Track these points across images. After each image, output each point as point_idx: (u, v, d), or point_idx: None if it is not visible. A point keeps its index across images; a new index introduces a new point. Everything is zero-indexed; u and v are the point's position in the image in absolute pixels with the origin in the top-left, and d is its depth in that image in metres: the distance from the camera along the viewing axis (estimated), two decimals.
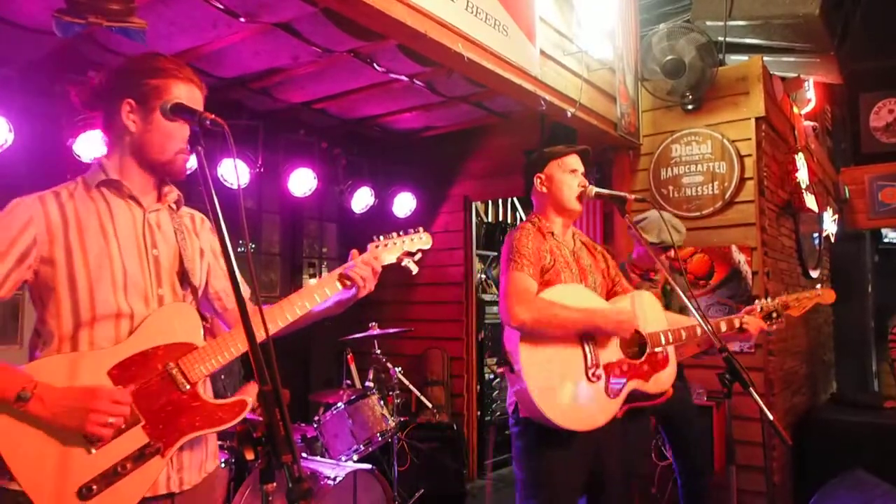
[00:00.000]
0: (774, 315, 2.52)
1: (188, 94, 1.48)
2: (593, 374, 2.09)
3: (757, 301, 2.57)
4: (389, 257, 1.75)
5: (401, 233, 1.80)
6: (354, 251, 1.71)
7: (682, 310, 3.02)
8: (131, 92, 1.45)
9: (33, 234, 1.37)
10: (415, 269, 1.80)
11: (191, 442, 1.43)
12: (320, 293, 1.61)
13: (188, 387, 1.42)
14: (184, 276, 1.53)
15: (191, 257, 1.55)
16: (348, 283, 1.64)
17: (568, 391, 2.05)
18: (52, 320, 1.39)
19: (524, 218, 2.33)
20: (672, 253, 3.08)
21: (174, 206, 1.59)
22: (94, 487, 1.30)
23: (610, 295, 2.34)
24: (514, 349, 2.04)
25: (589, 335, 2.12)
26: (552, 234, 2.24)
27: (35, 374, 1.32)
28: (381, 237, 1.77)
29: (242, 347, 1.47)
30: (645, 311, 2.24)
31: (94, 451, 1.32)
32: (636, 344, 2.21)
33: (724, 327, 2.40)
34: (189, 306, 1.52)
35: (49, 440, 1.30)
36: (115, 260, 1.41)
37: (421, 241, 1.81)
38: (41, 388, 1.29)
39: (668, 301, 3.04)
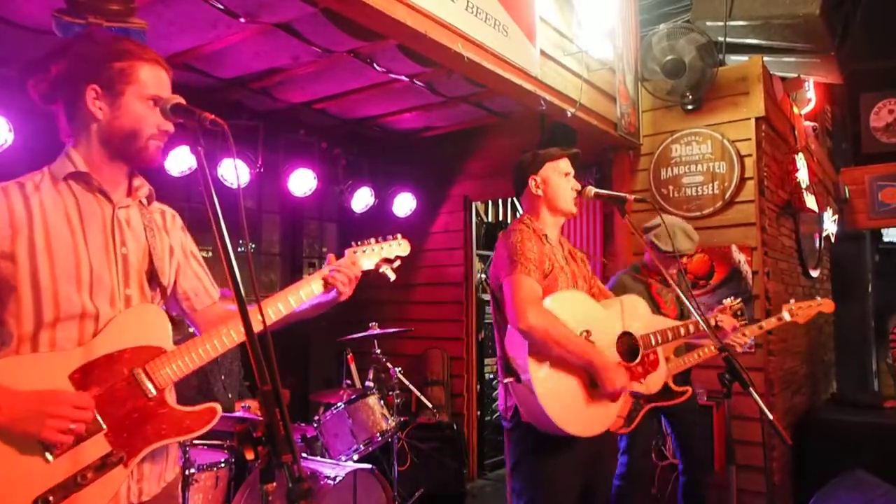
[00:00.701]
0: (739, 313, 2.79)
1: (154, 75, 1.40)
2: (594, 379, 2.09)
3: (725, 300, 2.86)
4: (367, 263, 1.71)
5: (378, 239, 1.76)
6: (331, 256, 1.67)
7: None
8: (95, 77, 1.37)
9: None
10: (392, 277, 1.76)
11: (153, 451, 1.36)
12: (296, 297, 1.55)
13: (155, 393, 1.35)
14: (152, 276, 1.46)
15: (160, 256, 1.48)
16: (328, 286, 1.60)
17: (574, 398, 2.05)
18: (10, 319, 1.30)
19: (518, 219, 2.31)
20: (685, 260, 3.12)
21: (145, 202, 1.52)
22: (52, 499, 1.23)
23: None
24: (520, 357, 2.02)
25: (586, 335, 2.12)
26: (546, 236, 2.23)
27: None
28: (359, 243, 1.73)
29: (213, 352, 1.42)
30: (633, 314, 2.26)
31: (52, 459, 1.24)
32: (627, 346, 2.21)
33: (702, 327, 2.43)
34: (158, 308, 1.46)
35: (4, 448, 1.22)
36: (81, 257, 1.34)
37: (399, 247, 1.77)
38: None
39: (682, 307, 3.06)
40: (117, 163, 1.43)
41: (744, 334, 2.85)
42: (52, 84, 1.41)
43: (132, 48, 1.42)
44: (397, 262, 1.77)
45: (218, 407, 1.42)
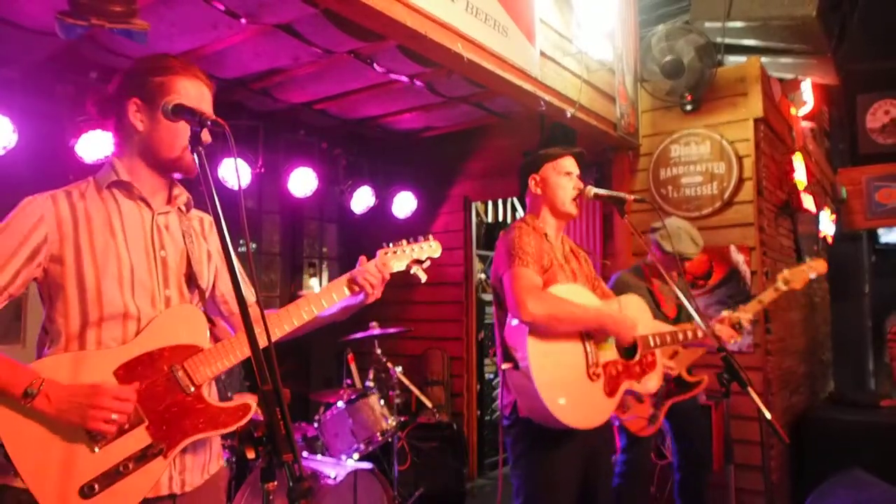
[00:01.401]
0: (738, 326, 2.76)
1: (195, 90, 1.48)
2: (593, 373, 2.10)
3: (725, 312, 2.81)
4: (399, 265, 1.75)
5: (410, 240, 1.79)
6: (363, 257, 1.70)
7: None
8: (137, 91, 1.46)
9: (44, 233, 1.37)
10: (424, 277, 1.79)
11: (194, 443, 1.43)
12: (328, 298, 1.61)
13: (193, 389, 1.42)
14: (191, 279, 1.53)
15: (198, 259, 1.55)
16: (356, 288, 1.65)
17: (571, 389, 2.06)
18: (60, 318, 1.39)
19: (520, 219, 2.33)
20: (687, 264, 3.12)
21: (184, 209, 1.59)
22: (96, 486, 1.31)
23: None
24: (519, 344, 2.03)
25: (588, 335, 2.13)
26: (546, 235, 2.24)
27: (42, 371, 1.32)
28: (391, 244, 1.76)
29: (248, 352, 1.45)
30: (633, 315, 2.27)
31: (97, 449, 1.33)
32: (624, 345, 2.23)
33: (700, 334, 2.44)
34: (196, 309, 1.52)
35: (53, 438, 1.31)
36: (123, 260, 1.42)
37: (430, 248, 1.81)
38: (47, 384, 1.30)
39: (681, 307, 3.07)
40: (156, 172, 1.51)
41: (745, 310, 2.83)
42: (106, 99, 1.51)
43: (174, 64, 1.50)
44: (427, 263, 1.80)
45: (252, 403, 1.47)
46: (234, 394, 3.61)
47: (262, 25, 3.06)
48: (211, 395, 1.50)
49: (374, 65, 3.57)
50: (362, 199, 4.73)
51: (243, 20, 2.97)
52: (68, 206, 1.42)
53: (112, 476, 1.32)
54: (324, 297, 1.61)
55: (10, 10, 2.77)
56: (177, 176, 1.56)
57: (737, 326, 2.76)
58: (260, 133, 4.12)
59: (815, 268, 2.92)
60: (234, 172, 3.98)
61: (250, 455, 1.14)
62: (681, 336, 2.36)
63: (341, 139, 4.81)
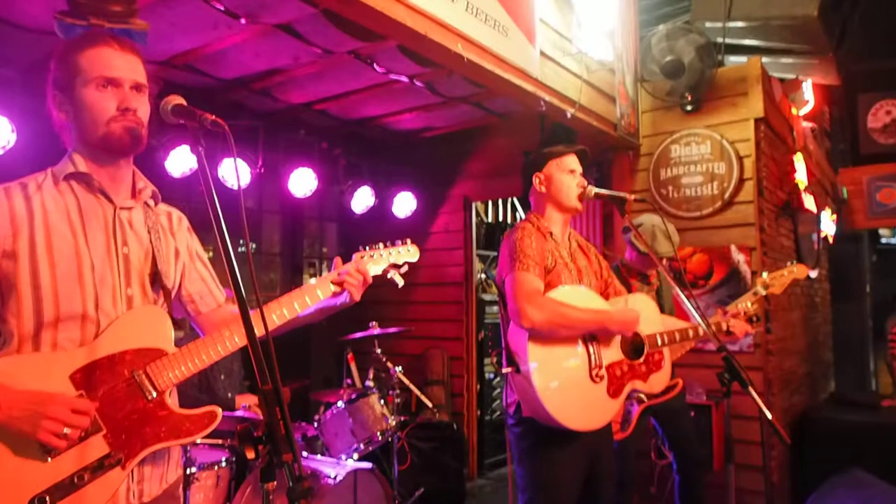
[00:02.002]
0: (755, 319, 2.69)
1: (93, 57, 1.37)
2: (596, 375, 2.10)
3: (740, 305, 2.69)
4: (375, 269, 1.69)
5: (387, 244, 1.73)
6: (338, 259, 1.65)
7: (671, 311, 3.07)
8: (53, 82, 1.39)
9: None
10: (400, 283, 1.73)
11: (153, 453, 1.36)
12: (312, 295, 1.55)
13: (155, 395, 1.35)
14: (156, 277, 1.45)
15: (164, 258, 1.47)
16: (338, 290, 1.59)
17: (574, 392, 2.06)
18: (12, 318, 1.30)
19: (524, 217, 2.32)
20: (665, 261, 3.08)
21: (151, 203, 1.51)
22: (48, 499, 1.22)
23: (603, 296, 2.35)
24: (520, 349, 2.04)
25: (591, 336, 2.13)
26: (551, 233, 2.24)
27: None
28: (367, 248, 1.71)
29: (214, 356, 1.41)
30: (640, 312, 2.26)
31: (49, 459, 1.24)
32: (631, 345, 2.22)
33: (701, 332, 2.42)
34: (160, 310, 1.45)
35: (2, 447, 1.22)
36: (82, 257, 1.34)
37: (408, 253, 1.76)
38: None
39: (662, 302, 3.05)
40: (108, 159, 1.41)
41: (745, 328, 2.72)
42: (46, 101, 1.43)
43: (72, 42, 1.40)
44: (405, 268, 1.75)
45: (218, 411, 1.41)
46: (234, 394, 3.61)
47: (261, 25, 3.06)
48: (174, 401, 1.42)
49: (374, 65, 3.57)
50: (362, 199, 4.73)
51: (243, 20, 2.96)
52: (23, 199, 1.33)
53: (66, 488, 1.24)
54: (308, 293, 1.54)
55: (9, 10, 2.77)
56: (128, 158, 1.45)
57: (753, 320, 2.68)
58: (260, 133, 4.12)
59: (794, 272, 2.82)
60: (235, 172, 3.98)
61: (250, 455, 1.13)
62: (692, 333, 2.34)
63: (341, 139, 4.81)
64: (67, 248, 1.33)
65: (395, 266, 1.74)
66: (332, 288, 1.59)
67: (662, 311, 2.98)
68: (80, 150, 1.41)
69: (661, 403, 2.94)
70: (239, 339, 1.43)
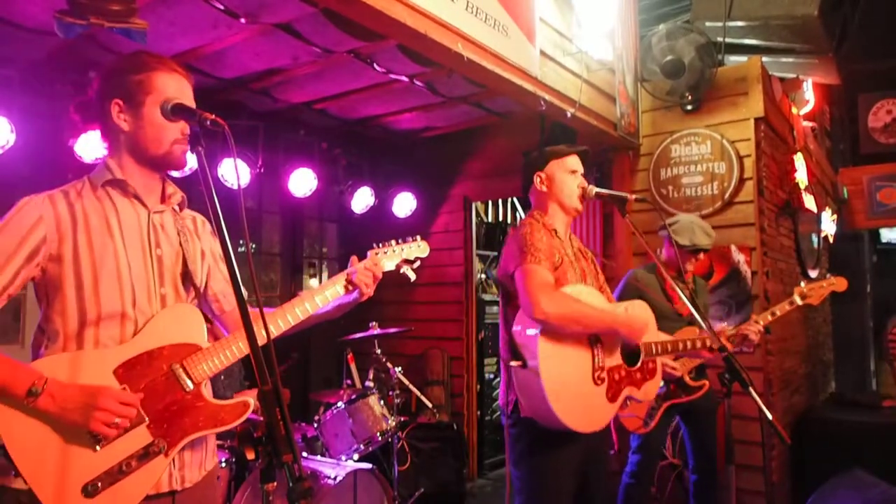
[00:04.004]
0: (734, 341, 2.84)
1: (175, 84, 1.48)
2: (598, 377, 2.10)
3: (755, 316, 2.89)
4: (389, 264, 1.79)
5: (399, 240, 1.83)
6: (354, 258, 1.75)
7: (706, 308, 3.14)
8: (118, 92, 1.47)
9: (43, 233, 1.38)
10: (413, 277, 1.84)
11: (192, 441, 1.45)
12: (322, 297, 1.64)
13: (192, 387, 1.44)
14: (186, 277, 1.54)
15: (193, 259, 1.57)
16: (351, 287, 1.68)
17: (576, 392, 2.05)
18: (57, 318, 1.39)
19: (528, 215, 2.32)
20: (701, 256, 3.12)
21: (177, 208, 1.61)
22: (99, 485, 1.32)
23: None
24: (530, 343, 2.01)
25: (596, 338, 2.12)
26: (555, 231, 2.24)
27: (41, 371, 1.32)
28: (381, 244, 1.81)
29: (245, 349, 1.49)
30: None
31: (99, 448, 1.33)
32: (627, 352, 2.22)
33: (699, 345, 2.48)
34: (193, 307, 1.54)
35: (55, 437, 1.31)
36: (120, 259, 1.43)
37: (419, 249, 1.85)
38: (51, 383, 1.30)
39: (697, 302, 3.07)
40: (147, 170, 1.52)
41: (756, 321, 2.88)
42: (89, 105, 1.52)
43: (149, 60, 1.49)
44: (417, 263, 1.86)
45: (251, 401, 1.48)
46: (234, 393, 3.61)
47: (261, 25, 3.06)
48: (209, 392, 1.51)
49: (374, 65, 3.57)
50: (362, 199, 4.72)
51: (243, 20, 2.96)
52: (66, 206, 1.43)
53: (114, 475, 1.34)
54: (318, 294, 1.63)
55: (8, 10, 2.76)
56: (171, 173, 1.57)
57: (731, 341, 2.81)
58: (260, 133, 4.12)
59: (834, 284, 2.92)
60: (234, 172, 3.98)
61: (250, 455, 1.14)
62: (681, 346, 2.37)
63: (341, 139, 4.81)
64: (107, 251, 1.42)
65: (408, 261, 1.84)
66: (341, 290, 1.68)
67: (698, 311, 3.01)
68: (120, 158, 1.50)
69: (689, 403, 2.96)
70: (265, 335, 1.48)
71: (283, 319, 1.57)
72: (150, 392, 1.39)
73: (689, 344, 2.39)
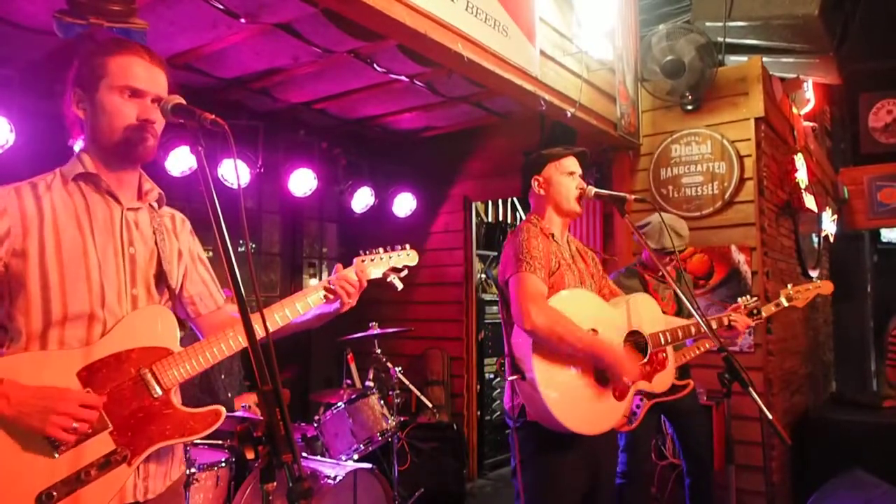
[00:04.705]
0: (755, 312, 2.73)
1: (124, 65, 1.39)
2: (603, 377, 2.09)
3: (740, 299, 2.79)
4: (375, 272, 1.74)
5: (387, 248, 1.77)
6: (339, 265, 1.67)
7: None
8: (76, 80, 1.40)
9: (7, 226, 1.30)
10: (399, 286, 1.79)
11: (158, 450, 1.37)
12: (303, 303, 1.56)
13: (160, 393, 1.36)
14: (160, 277, 1.46)
15: (168, 259, 1.49)
16: (332, 296, 1.60)
17: (579, 396, 2.04)
18: (20, 317, 1.31)
19: (524, 218, 2.31)
20: (679, 256, 3.11)
21: (155, 205, 1.53)
22: (55, 494, 1.23)
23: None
24: (525, 356, 2.02)
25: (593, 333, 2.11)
26: (552, 235, 2.23)
27: (1, 370, 1.25)
28: (367, 252, 1.75)
29: (219, 355, 1.43)
30: (641, 313, 2.25)
31: (57, 455, 1.25)
32: (635, 344, 2.22)
33: (714, 325, 2.46)
34: (166, 309, 1.46)
35: (10, 442, 1.23)
36: (90, 256, 1.35)
37: (408, 257, 1.80)
38: (7, 384, 1.23)
39: (681, 304, 3.06)
40: (117, 163, 1.43)
41: (746, 322, 2.83)
42: (58, 96, 1.46)
43: (103, 44, 1.42)
44: (405, 272, 1.80)
45: (222, 410, 1.43)
46: (234, 394, 3.60)
47: (261, 25, 3.06)
48: (178, 400, 1.43)
49: (374, 65, 3.57)
50: (362, 199, 4.72)
51: (243, 19, 2.96)
52: (33, 199, 1.35)
53: (73, 483, 1.25)
54: (299, 300, 1.56)
55: (8, 10, 2.76)
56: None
57: (753, 313, 2.71)
58: (260, 133, 4.12)
59: (820, 288, 2.91)
60: (234, 172, 3.98)
61: (250, 455, 1.13)
62: (693, 330, 2.34)
63: (341, 139, 4.81)
64: (75, 247, 1.34)
65: (395, 270, 1.78)
66: (321, 298, 1.60)
67: (680, 313, 3.00)
68: (90, 150, 1.43)
69: (670, 402, 2.95)
70: (242, 340, 1.44)
71: (259, 325, 1.53)
72: (116, 397, 1.31)
73: (700, 328, 2.32)
